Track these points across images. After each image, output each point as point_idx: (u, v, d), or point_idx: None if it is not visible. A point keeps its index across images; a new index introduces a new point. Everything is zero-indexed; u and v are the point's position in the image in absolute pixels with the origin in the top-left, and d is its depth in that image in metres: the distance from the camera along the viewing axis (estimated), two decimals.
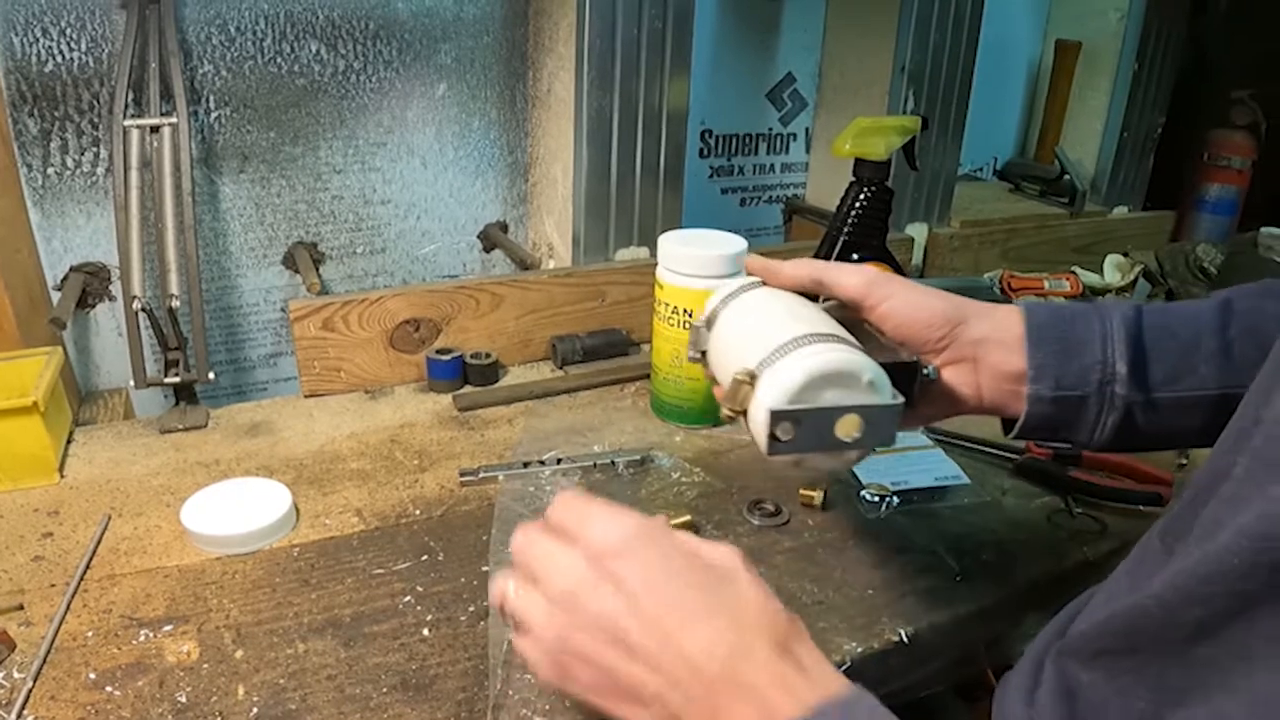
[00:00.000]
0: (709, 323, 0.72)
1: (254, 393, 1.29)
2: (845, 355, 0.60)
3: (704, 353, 0.74)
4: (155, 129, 1.04)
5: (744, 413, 0.62)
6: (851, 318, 0.69)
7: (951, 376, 0.67)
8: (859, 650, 0.70)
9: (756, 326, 0.66)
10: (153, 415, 1.05)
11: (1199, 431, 0.64)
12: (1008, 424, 0.68)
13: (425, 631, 0.70)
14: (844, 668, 0.69)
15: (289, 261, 1.24)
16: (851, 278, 0.68)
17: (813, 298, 0.71)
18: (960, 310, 0.67)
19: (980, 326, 0.66)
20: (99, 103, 1.07)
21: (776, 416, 0.58)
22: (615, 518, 0.53)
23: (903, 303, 0.67)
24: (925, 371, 0.66)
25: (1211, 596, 0.43)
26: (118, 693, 0.63)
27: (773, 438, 0.59)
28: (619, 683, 0.50)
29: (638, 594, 0.50)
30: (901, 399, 0.60)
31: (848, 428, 0.59)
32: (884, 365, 0.61)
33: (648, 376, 1.08)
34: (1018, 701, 0.57)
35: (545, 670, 0.53)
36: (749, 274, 0.74)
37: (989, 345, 0.66)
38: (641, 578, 0.50)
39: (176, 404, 1.04)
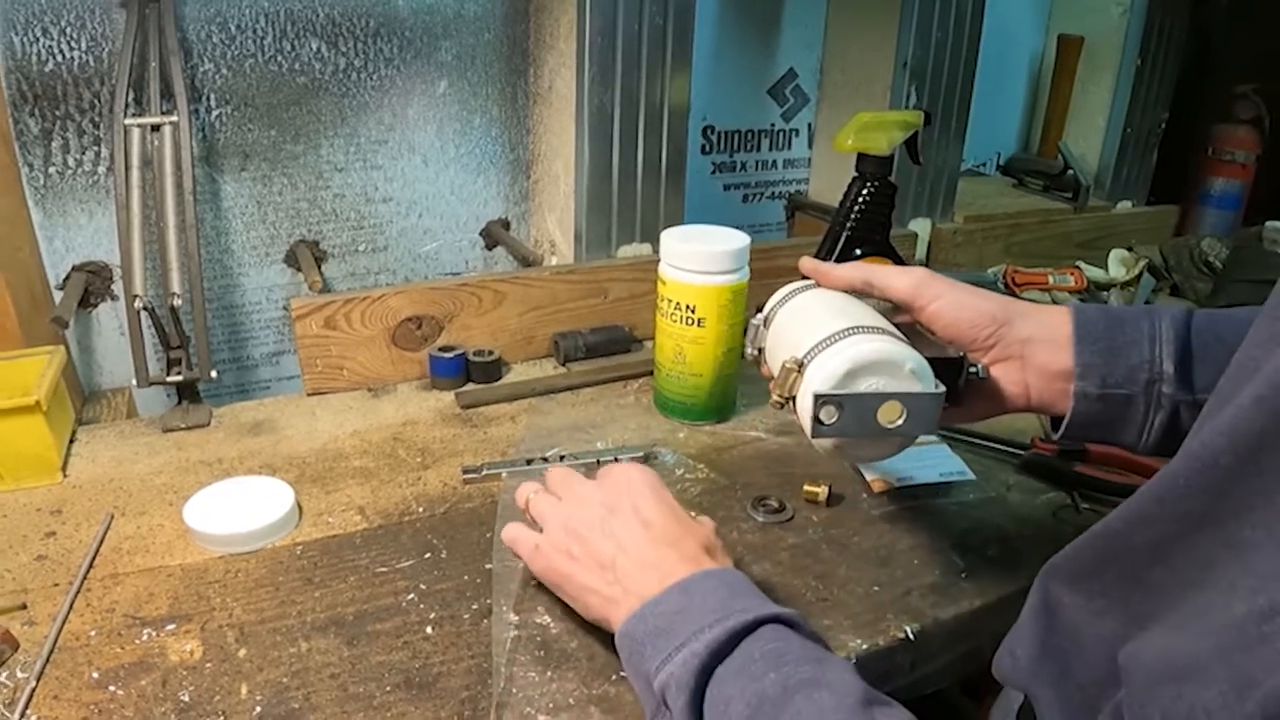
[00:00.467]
0: (766, 321, 0.77)
1: (257, 391, 1.29)
2: (888, 344, 0.63)
3: (761, 350, 0.78)
4: (156, 127, 1.04)
5: (792, 399, 0.66)
6: (903, 319, 0.72)
7: (1000, 374, 0.69)
8: (864, 647, 0.70)
9: (807, 322, 0.69)
10: (156, 414, 1.05)
11: None
12: (1056, 422, 0.69)
13: (428, 630, 0.70)
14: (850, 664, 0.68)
15: (291, 260, 1.24)
16: (900, 280, 0.71)
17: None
18: (1007, 310, 0.69)
19: (1027, 326, 0.68)
20: (100, 102, 1.07)
21: (820, 400, 0.62)
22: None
23: (950, 303, 0.69)
24: (973, 369, 0.68)
25: (1162, 516, 0.46)
26: (121, 692, 0.63)
27: (816, 421, 0.62)
28: (593, 553, 0.65)
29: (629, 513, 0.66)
30: (943, 388, 0.63)
31: (890, 414, 0.63)
32: (930, 360, 0.64)
33: (651, 373, 1.07)
34: (1029, 621, 0.60)
35: (545, 554, 0.68)
36: (803, 276, 0.78)
37: (1036, 344, 0.67)
38: (633, 506, 0.66)
39: (179, 403, 1.04)
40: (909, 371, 0.63)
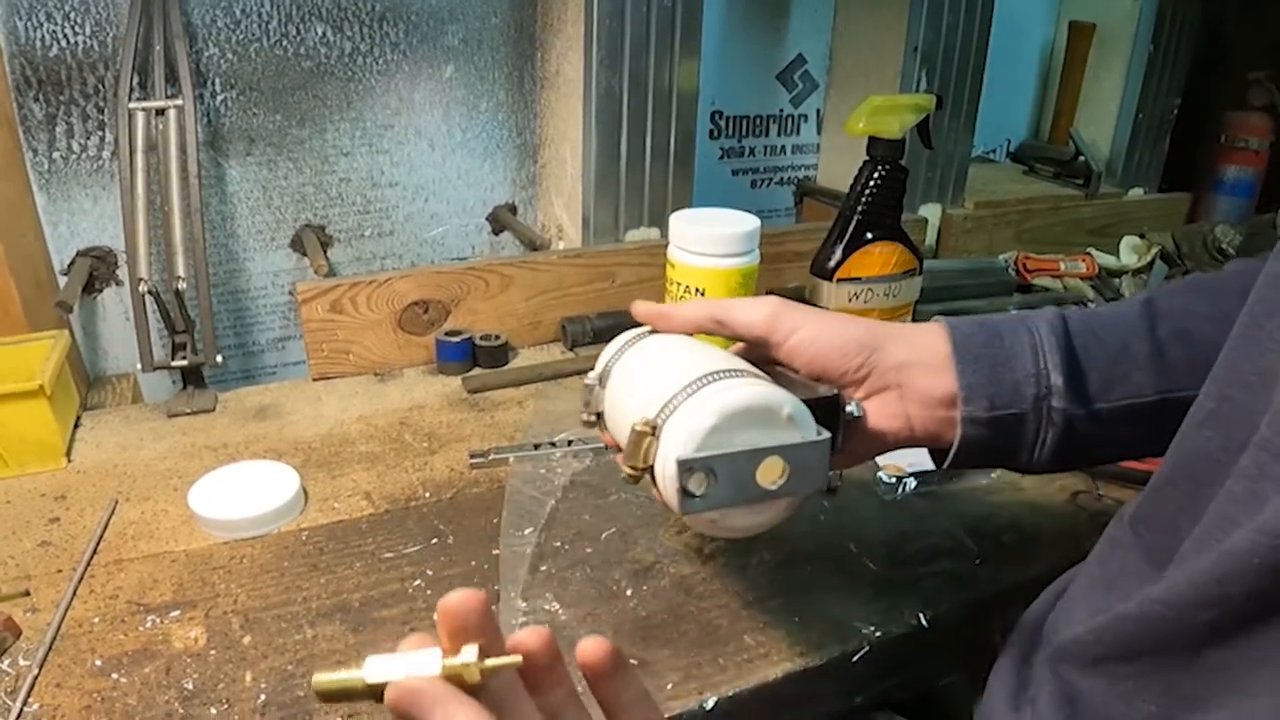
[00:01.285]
0: (602, 380, 0.66)
1: (262, 377, 1.28)
2: (759, 389, 0.54)
3: (599, 415, 0.67)
4: (161, 112, 1.03)
5: (649, 469, 0.55)
6: (762, 357, 0.64)
7: (877, 408, 0.61)
8: (877, 634, 0.69)
9: (654, 376, 0.59)
10: (161, 400, 1.04)
11: (1140, 442, 0.62)
12: (938, 455, 0.64)
13: (436, 616, 0.69)
14: (862, 652, 0.68)
15: (296, 244, 1.23)
16: (752, 312, 0.62)
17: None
18: (875, 335, 0.62)
19: (899, 350, 0.61)
20: (104, 87, 1.07)
21: (685, 467, 0.51)
22: None
23: (812, 333, 0.61)
24: (849, 409, 0.59)
25: (1227, 598, 0.41)
26: (124, 680, 0.62)
27: (684, 493, 0.52)
28: None
29: None
30: (828, 434, 0.54)
31: (771, 473, 0.53)
32: (804, 402, 0.55)
33: None
34: (1006, 709, 0.55)
35: None
36: (639, 322, 0.68)
37: (913, 369, 0.61)
38: None
39: (184, 388, 1.03)
40: (787, 418, 0.53)
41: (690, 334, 0.66)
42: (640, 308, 0.67)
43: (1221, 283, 0.63)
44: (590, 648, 0.42)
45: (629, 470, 0.55)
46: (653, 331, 0.67)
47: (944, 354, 0.60)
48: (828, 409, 0.58)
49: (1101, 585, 0.54)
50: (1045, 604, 0.62)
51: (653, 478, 0.55)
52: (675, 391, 0.54)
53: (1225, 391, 0.47)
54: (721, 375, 0.55)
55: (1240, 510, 0.42)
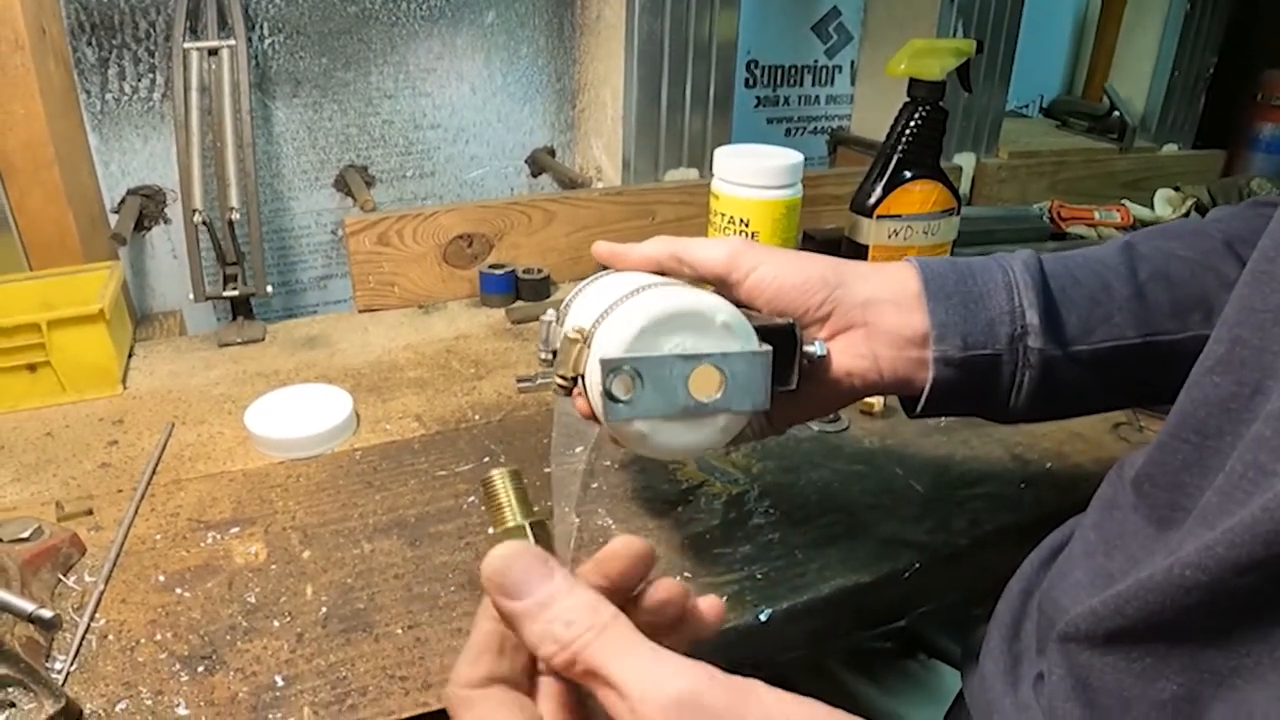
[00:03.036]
0: (560, 318, 0.63)
1: (304, 315, 1.29)
2: (693, 294, 0.51)
3: (555, 353, 0.62)
4: (214, 52, 1.05)
5: (580, 378, 0.53)
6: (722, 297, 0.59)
7: (842, 348, 0.58)
8: (926, 552, 0.70)
9: (598, 295, 0.57)
10: (209, 331, 1.06)
11: (1124, 389, 0.61)
12: (909, 403, 0.61)
13: (490, 531, 0.70)
14: (913, 569, 0.69)
15: (340, 184, 1.25)
16: (713, 249, 0.59)
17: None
18: (839, 271, 0.58)
19: (865, 287, 0.58)
20: (155, 31, 1.08)
21: (609, 368, 0.48)
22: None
23: (772, 270, 0.58)
24: (810, 348, 0.56)
25: (1274, 559, 0.35)
26: (187, 594, 0.63)
27: (609, 397, 0.49)
28: None
29: None
30: (768, 348, 0.51)
31: (705, 385, 0.50)
32: (756, 329, 0.52)
33: None
34: (1005, 688, 0.52)
35: None
36: (599, 262, 0.65)
37: (880, 306, 0.57)
38: None
39: (234, 319, 1.05)
40: (722, 325, 0.50)
41: (651, 271, 0.62)
42: (600, 247, 0.64)
43: (1202, 227, 0.62)
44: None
45: (559, 380, 0.54)
46: (610, 273, 0.64)
47: (914, 291, 0.57)
48: (783, 339, 0.54)
49: (1099, 551, 0.50)
50: (1032, 571, 0.59)
51: (584, 387, 0.53)
52: (610, 302, 0.53)
53: (1236, 333, 0.43)
54: (658, 285, 0.53)
55: (1276, 457, 0.37)
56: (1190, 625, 0.39)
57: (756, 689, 0.34)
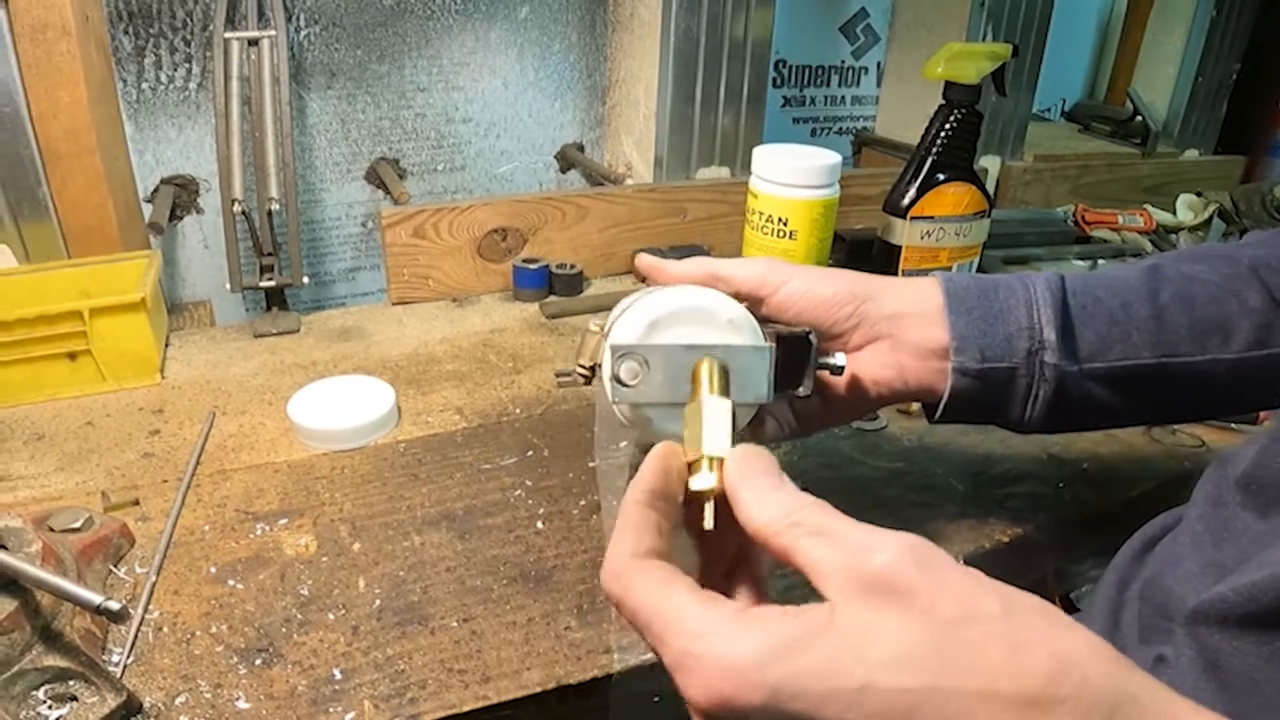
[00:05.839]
0: (606, 332, 0.63)
1: (333, 307, 1.30)
2: (703, 293, 0.55)
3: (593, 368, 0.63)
4: (254, 42, 1.05)
5: (596, 367, 0.57)
6: (756, 314, 0.61)
7: (869, 358, 0.61)
8: (969, 548, 0.70)
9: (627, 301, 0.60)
10: (243, 322, 1.06)
11: (1138, 409, 0.62)
12: (930, 409, 0.63)
13: (539, 525, 0.71)
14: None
15: (371, 177, 1.25)
16: (747, 267, 0.61)
17: None
18: (867, 285, 0.61)
19: (892, 300, 0.61)
20: (192, 20, 1.09)
21: (618, 353, 0.51)
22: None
23: (802, 284, 0.60)
24: (831, 360, 0.58)
25: None
26: (240, 586, 0.63)
27: (616, 380, 0.52)
28: None
29: None
30: (771, 345, 0.53)
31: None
32: (777, 337, 0.55)
33: None
34: None
35: None
36: (640, 273, 0.67)
37: (905, 320, 0.60)
38: None
39: (268, 309, 1.05)
40: (727, 321, 0.54)
41: None
42: (642, 260, 0.66)
43: (1231, 252, 0.63)
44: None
45: (579, 368, 0.59)
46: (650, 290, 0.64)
47: (937, 305, 0.60)
48: (798, 347, 0.57)
49: (1208, 544, 0.52)
50: (1126, 564, 0.61)
51: (600, 376, 0.56)
52: (632, 302, 0.56)
53: None
54: (675, 288, 0.56)
55: None
56: None
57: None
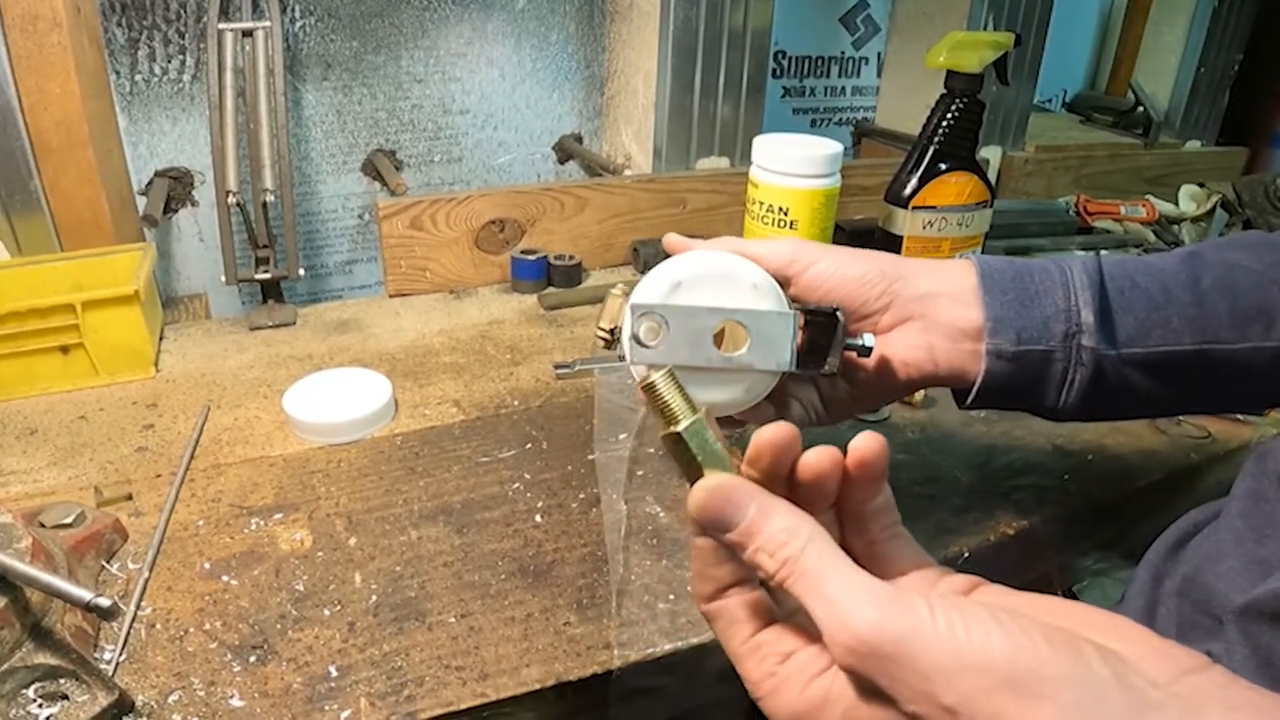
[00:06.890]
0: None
1: (329, 300, 1.29)
2: (727, 258, 0.54)
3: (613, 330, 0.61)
4: (248, 33, 1.04)
5: (616, 329, 0.57)
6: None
7: (900, 339, 0.59)
8: (974, 540, 0.69)
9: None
10: (239, 315, 1.05)
11: (1177, 396, 0.60)
12: (960, 395, 0.61)
13: (537, 518, 0.70)
14: (963, 558, 0.68)
15: (368, 169, 1.24)
16: (775, 246, 0.60)
17: None
18: (898, 266, 0.59)
19: (925, 281, 0.59)
20: (185, 12, 1.08)
21: (638, 311, 0.51)
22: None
23: (831, 264, 0.58)
24: (859, 340, 0.56)
25: None
26: (234, 582, 0.62)
27: (636, 340, 0.51)
28: None
29: None
30: (795, 312, 0.53)
31: (730, 340, 0.53)
32: (803, 310, 0.55)
33: None
34: None
35: None
36: (668, 250, 0.64)
37: (938, 300, 0.58)
38: None
39: (264, 302, 1.04)
40: (750, 285, 0.53)
41: None
42: (670, 238, 0.64)
43: (1270, 240, 0.61)
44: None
45: (599, 331, 0.58)
46: None
47: (971, 286, 0.58)
48: (825, 326, 0.55)
49: (1250, 540, 0.51)
50: (1159, 559, 0.60)
51: (621, 338, 0.55)
52: (658, 268, 0.55)
53: None
54: (696, 252, 0.56)
55: None
56: None
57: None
